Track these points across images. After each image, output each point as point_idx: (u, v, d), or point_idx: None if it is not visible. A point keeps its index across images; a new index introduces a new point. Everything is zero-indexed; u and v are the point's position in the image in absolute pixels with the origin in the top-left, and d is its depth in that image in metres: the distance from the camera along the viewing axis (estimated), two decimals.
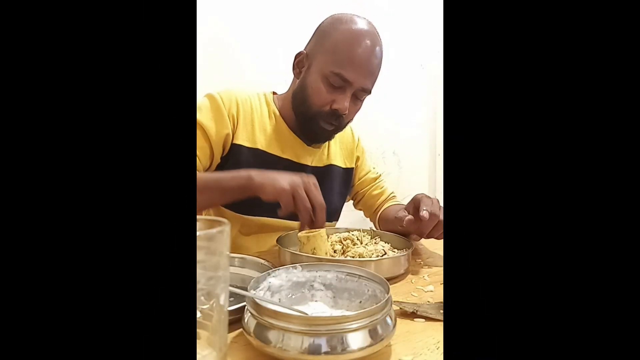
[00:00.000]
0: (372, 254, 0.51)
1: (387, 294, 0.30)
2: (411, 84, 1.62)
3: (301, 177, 0.53)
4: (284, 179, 0.52)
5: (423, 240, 0.70)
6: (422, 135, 1.69)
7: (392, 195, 0.84)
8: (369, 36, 0.64)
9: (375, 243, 0.56)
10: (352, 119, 0.72)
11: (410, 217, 0.57)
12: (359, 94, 0.66)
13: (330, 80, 0.63)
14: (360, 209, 0.87)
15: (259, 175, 0.54)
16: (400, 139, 1.57)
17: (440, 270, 0.52)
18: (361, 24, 0.65)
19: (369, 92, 0.67)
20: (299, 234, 0.51)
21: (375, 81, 0.67)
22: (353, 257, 0.50)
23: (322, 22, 0.69)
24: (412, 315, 0.35)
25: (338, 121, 0.67)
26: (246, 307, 0.29)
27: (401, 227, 0.57)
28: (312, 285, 0.36)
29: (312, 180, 0.53)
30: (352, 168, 0.82)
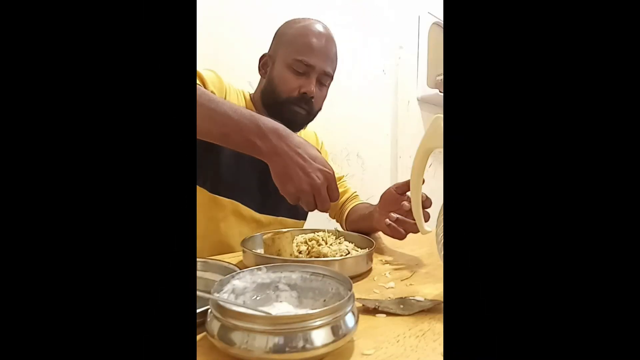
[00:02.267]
0: (337, 253, 0.52)
1: (350, 291, 0.31)
2: (374, 88, 1.67)
3: (322, 172, 0.47)
4: (304, 180, 0.45)
5: (385, 239, 0.72)
6: (384, 138, 1.74)
7: (355, 194, 0.86)
8: (323, 30, 0.73)
9: (339, 243, 0.57)
10: (321, 107, 0.77)
11: (391, 223, 0.60)
12: (323, 79, 0.73)
13: (294, 68, 0.70)
14: None
15: (273, 158, 0.46)
16: (364, 142, 1.61)
17: (400, 267, 0.54)
18: (314, 22, 0.73)
19: (331, 77, 0.75)
20: (264, 236, 0.51)
21: (335, 68, 0.75)
22: (318, 257, 0.51)
23: (279, 28, 0.76)
24: (374, 311, 0.36)
25: (308, 105, 0.72)
26: (209, 310, 0.29)
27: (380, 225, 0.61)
28: (277, 286, 0.36)
29: (330, 175, 0.48)
30: None
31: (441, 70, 2.09)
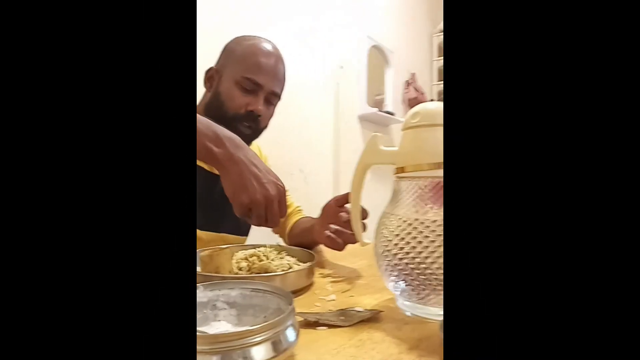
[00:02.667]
0: (278, 268, 0.51)
1: (290, 305, 0.31)
2: (316, 106, 1.71)
3: (276, 185, 0.47)
4: (258, 190, 0.45)
5: (326, 253, 0.73)
6: (327, 154, 1.79)
7: (299, 208, 0.87)
8: (272, 50, 0.74)
9: (281, 258, 0.57)
10: (267, 125, 0.77)
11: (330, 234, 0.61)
12: (271, 98, 0.73)
13: (243, 85, 0.70)
14: None
15: (229, 166, 0.46)
16: (307, 157, 1.63)
17: (341, 279, 0.56)
18: (264, 41, 0.74)
19: (279, 97, 0.75)
20: (201, 253, 0.49)
21: (283, 88, 0.75)
22: (259, 273, 0.50)
23: (228, 43, 0.76)
24: (314, 324, 0.37)
25: (255, 123, 0.72)
26: None
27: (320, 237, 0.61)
28: (214, 305, 0.35)
29: (282, 190, 0.48)
30: None
31: (379, 91, 2.22)
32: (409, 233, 0.39)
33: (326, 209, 0.67)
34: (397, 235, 0.39)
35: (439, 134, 0.40)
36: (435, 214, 0.39)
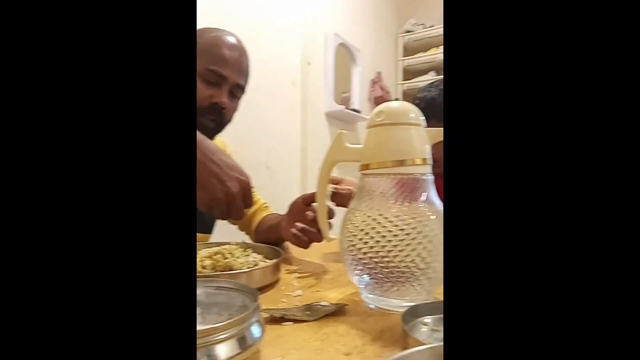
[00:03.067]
0: (244, 266, 0.51)
1: (255, 302, 0.31)
2: (283, 101, 1.70)
3: (238, 180, 0.47)
4: (218, 188, 0.45)
5: (293, 249, 0.73)
6: (294, 151, 1.79)
7: (265, 205, 0.86)
8: (236, 42, 0.73)
9: (246, 255, 0.56)
10: (231, 119, 0.75)
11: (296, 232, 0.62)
12: (235, 91, 0.72)
13: (206, 77, 0.68)
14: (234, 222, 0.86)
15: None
16: (273, 154, 1.62)
17: (307, 275, 0.56)
18: (227, 33, 0.73)
19: (243, 90, 0.74)
20: None
21: (247, 81, 0.74)
22: (224, 271, 0.49)
23: None
24: (280, 320, 0.37)
25: (219, 116, 0.70)
26: None
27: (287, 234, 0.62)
28: None
29: (247, 184, 0.48)
30: None
31: (346, 88, 2.25)
32: (373, 228, 0.40)
33: (293, 206, 0.68)
34: (362, 230, 0.40)
35: (402, 132, 0.42)
36: (398, 210, 0.40)
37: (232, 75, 0.70)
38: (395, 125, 0.41)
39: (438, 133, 0.43)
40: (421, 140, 0.42)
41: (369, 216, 0.40)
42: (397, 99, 0.47)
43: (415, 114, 0.42)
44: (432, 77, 2.71)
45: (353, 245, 0.41)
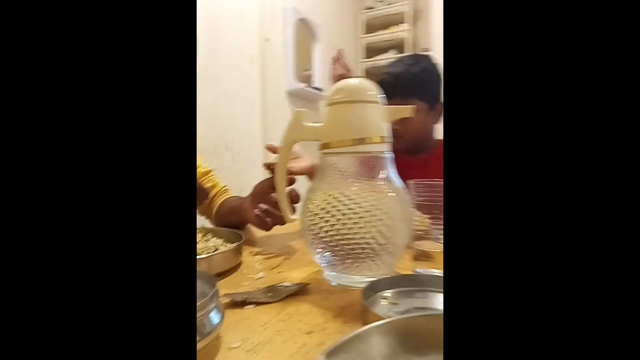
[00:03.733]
0: (203, 252, 0.49)
1: (213, 288, 0.30)
2: (242, 80, 1.64)
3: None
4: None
5: (257, 231, 0.72)
6: (254, 131, 1.74)
7: (225, 188, 0.84)
8: None
9: (206, 240, 0.55)
10: None
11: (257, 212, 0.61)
12: None
13: None
14: None
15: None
16: (233, 134, 1.57)
17: (270, 256, 0.56)
18: None
19: None
20: None
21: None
22: None
23: None
24: (242, 304, 0.36)
25: None
26: None
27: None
28: None
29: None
30: None
31: (307, 66, 2.20)
32: (334, 206, 0.40)
33: (258, 187, 0.66)
34: (323, 209, 0.40)
35: (361, 110, 0.41)
36: (359, 187, 0.41)
37: None
38: (354, 102, 0.41)
39: (397, 111, 0.43)
40: (380, 118, 0.42)
41: (329, 195, 0.40)
42: (358, 77, 0.46)
43: (373, 91, 0.42)
44: (392, 55, 2.72)
45: (314, 224, 0.41)
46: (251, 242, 0.66)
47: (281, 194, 0.48)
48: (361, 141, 0.41)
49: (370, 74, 2.78)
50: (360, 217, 0.39)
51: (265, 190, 0.64)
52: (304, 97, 2.09)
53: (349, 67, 2.54)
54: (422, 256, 0.45)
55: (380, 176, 0.41)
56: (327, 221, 0.40)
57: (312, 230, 0.41)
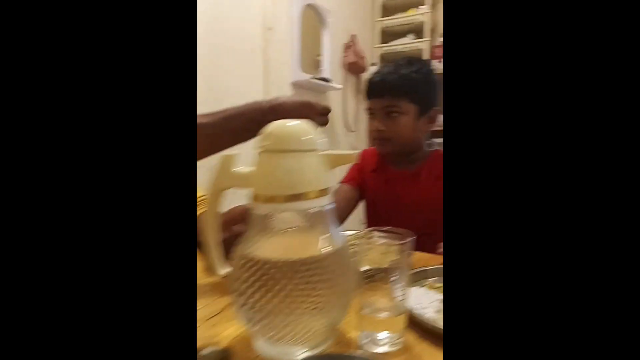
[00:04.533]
0: None
1: None
2: (244, 71, 1.57)
3: None
4: None
5: None
6: None
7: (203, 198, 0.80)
8: None
9: None
10: None
11: None
12: None
13: None
14: None
15: None
16: None
17: (213, 299, 0.52)
18: None
19: None
20: None
21: None
22: None
23: None
24: None
25: None
26: None
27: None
28: None
29: None
30: None
31: (315, 55, 2.10)
32: (263, 273, 0.35)
33: (226, 215, 0.61)
34: (249, 275, 0.35)
35: (295, 161, 0.35)
36: (294, 245, 0.35)
37: None
38: (286, 152, 0.35)
39: (340, 157, 0.37)
40: (318, 168, 0.36)
41: (259, 252, 0.35)
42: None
43: (311, 135, 0.36)
44: (410, 39, 2.56)
45: (241, 293, 0.36)
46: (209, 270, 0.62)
47: (212, 246, 0.43)
48: (296, 197, 0.35)
49: (386, 60, 2.63)
50: (300, 278, 0.33)
51: (231, 220, 0.59)
52: (310, 88, 2.00)
53: (362, 54, 2.41)
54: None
55: (315, 232, 0.36)
56: (253, 294, 0.35)
57: (240, 296, 0.36)
